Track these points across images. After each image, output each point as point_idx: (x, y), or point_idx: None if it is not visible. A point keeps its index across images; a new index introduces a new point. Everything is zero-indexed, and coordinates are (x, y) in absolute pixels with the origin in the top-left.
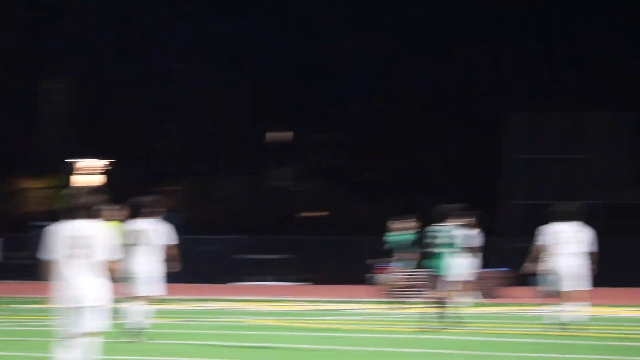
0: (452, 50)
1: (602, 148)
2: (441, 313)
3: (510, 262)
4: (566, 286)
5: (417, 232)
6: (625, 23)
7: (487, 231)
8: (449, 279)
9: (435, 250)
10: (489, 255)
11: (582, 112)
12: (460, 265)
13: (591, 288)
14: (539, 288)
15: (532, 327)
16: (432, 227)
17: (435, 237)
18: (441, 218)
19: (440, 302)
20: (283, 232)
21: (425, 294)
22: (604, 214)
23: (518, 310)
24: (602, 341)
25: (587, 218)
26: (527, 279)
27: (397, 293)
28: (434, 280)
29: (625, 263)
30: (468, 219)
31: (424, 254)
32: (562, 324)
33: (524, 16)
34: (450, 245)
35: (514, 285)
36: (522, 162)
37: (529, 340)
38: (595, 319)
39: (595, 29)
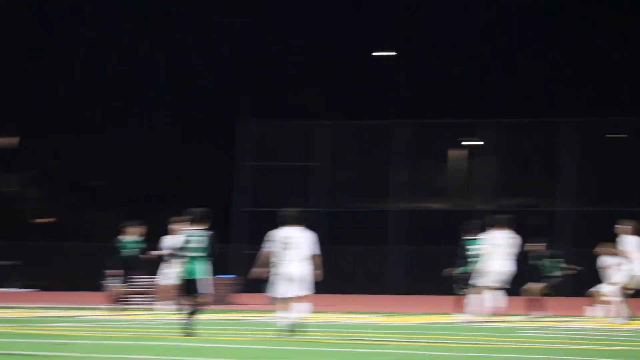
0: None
1: (330, 157)
2: (189, 318)
3: (240, 268)
4: (292, 291)
5: (145, 238)
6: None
7: (220, 238)
8: (200, 283)
9: (186, 254)
10: (219, 262)
11: (312, 120)
12: (206, 270)
13: (314, 293)
14: (268, 294)
15: (262, 334)
16: (184, 231)
17: (185, 241)
18: (192, 222)
19: (189, 307)
20: (9, 238)
21: (156, 299)
22: (331, 221)
23: (248, 317)
24: (325, 347)
25: (313, 224)
26: (257, 285)
27: (127, 299)
28: (185, 286)
29: (348, 270)
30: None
31: (176, 258)
32: (289, 330)
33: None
34: (198, 249)
35: (244, 292)
36: (252, 169)
37: (259, 346)
38: (317, 325)
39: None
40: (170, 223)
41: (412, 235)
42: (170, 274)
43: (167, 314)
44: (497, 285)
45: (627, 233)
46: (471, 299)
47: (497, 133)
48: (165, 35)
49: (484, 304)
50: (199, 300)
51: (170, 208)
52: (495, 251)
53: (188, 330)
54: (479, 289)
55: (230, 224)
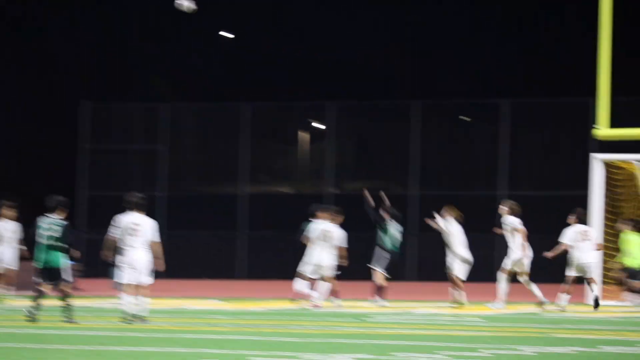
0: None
1: (174, 139)
2: (37, 305)
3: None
4: (135, 278)
5: None
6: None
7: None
8: (60, 271)
9: (41, 242)
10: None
11: (154, 102)
12: (63, 258)
13: (159, 279)
14: (111, 280)
15: (106, 320)
16: (40, 218)
17: (41, 228)
18: (51, 209)
19: (59, 295)
20: None
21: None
22: (176, 206)
23: (90, 303)
24: (168, 333)
25: (158, 209)
26: (97, 271)
27: None
28: (44, 274)
29: (195, 255)
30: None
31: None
32: (132, 316)
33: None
34: (53, 238)
35: (83, 278)
36: (93, 153)
37: (103, 333)
38: (161, 311)
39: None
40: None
41: (261, 219)
42: (6, 259)
43: (6, 299)
44: (317, 276)
45: (508, 214)
46: (299, 283)
47: (347, 115)
48: None
49: (308, 290)
50: (62, 287)
51: (15, 192)
52: (321, 241)
53: (68, 317)
54: (305, 276)
55: (72, 209)
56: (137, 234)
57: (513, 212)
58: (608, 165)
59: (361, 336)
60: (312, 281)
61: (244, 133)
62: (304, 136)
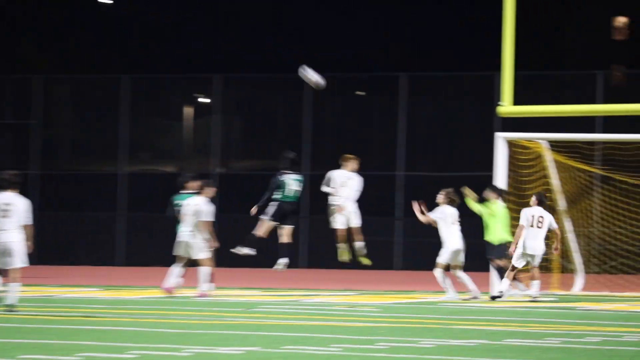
0: None
1: (46, 114)
2: None
3: None
4: (6, 263)
5: None
6: None
7: None
8: None
9: None
10: None
11: (27, 73)
12: None
13: (30, 265)
14: None
15: None
16: None
17: None
18: None
19: None
20: None
21: None
22: (51, 185)
23: None
24: (37, 324)
25: (30, 188)
26: None
27: None
28: None
29: (71, 239)
30: None
31: None
32: (1, 305)
33: None
34: None
35: None
36: None
37: None
38: (32, 300)
39: None
40: None
41: (142, 200)
42: None
43: None
44: (184, 256)
45: (445, 204)
46: (174, 272)
47: (236, 89)
48: None
49: (175, 276)
50: None
51: None
52: (191, 218)
53: None
54: (183, 259)
55: None
56: (9, 215)
57: (451, 203)
58: (512, 145)
59: (250, 327)
60: (187, 266)
61: (123, 108)
62: (188, 111)
